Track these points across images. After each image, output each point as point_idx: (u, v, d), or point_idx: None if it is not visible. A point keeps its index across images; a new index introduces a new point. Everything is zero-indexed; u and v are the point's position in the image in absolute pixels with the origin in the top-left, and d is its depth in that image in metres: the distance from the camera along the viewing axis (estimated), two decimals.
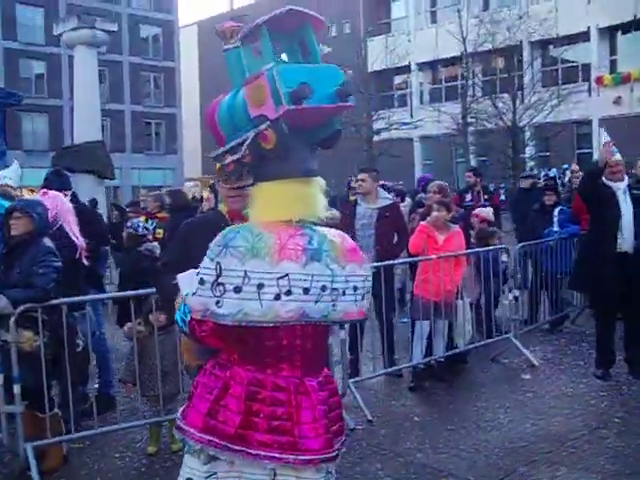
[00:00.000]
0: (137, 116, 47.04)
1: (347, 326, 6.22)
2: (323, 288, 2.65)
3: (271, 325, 2.60)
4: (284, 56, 2.94)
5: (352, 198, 8.61)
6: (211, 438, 2.67)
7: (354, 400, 6.19)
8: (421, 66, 41.02)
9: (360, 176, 7.64)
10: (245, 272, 2.56)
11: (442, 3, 40.39)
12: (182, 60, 50.86)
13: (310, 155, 2.81)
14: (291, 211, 2.71)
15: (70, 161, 19.33)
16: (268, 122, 2.70)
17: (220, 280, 2.57)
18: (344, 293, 2.71)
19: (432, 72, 41.52)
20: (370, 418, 6.01)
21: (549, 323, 9.09)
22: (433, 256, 6.98)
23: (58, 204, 5.52)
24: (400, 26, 42.05)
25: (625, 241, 6.74)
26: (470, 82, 32.90)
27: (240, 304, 2.56)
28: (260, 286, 2.56)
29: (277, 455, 2.62)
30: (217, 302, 2.57)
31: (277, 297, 2.57)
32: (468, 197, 10.28)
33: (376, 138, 34.70)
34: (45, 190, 5.82)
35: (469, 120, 31.91)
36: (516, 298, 8.02)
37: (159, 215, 10.12)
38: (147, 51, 48.33)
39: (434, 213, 7.13)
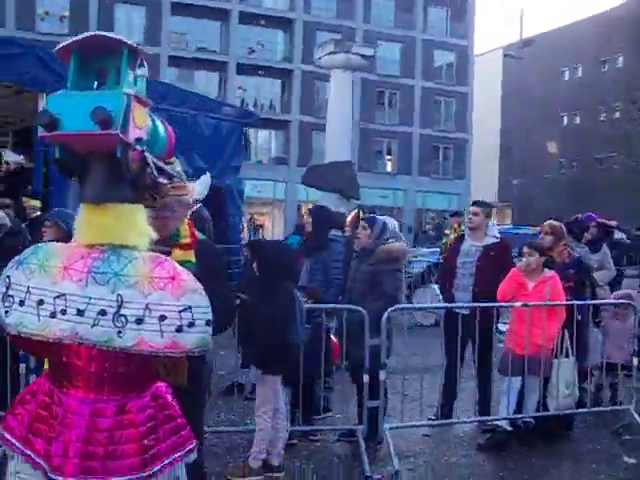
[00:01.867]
0: (425, 139, 47.78)
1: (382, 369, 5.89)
2: (102, 312, 2.64)
3: (50, 340, 2.68)
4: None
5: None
6: (9, 438, 2.82)
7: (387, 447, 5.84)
8: None
9: (472, 209, 7.22)
10: (28, 287, 2.71)
11: None
12: (482, 85, 51.00)
13: (100, 182, 2.76)
14: (84, 235, 2.78)
15: (318, 179, 20.46)
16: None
17: (9, 292, 2.75)
18: (140, 322, 2.65)
19: None
20: (397, 469, 5.59)
21: None
22: (517, 304, 6.33)
23: None
24: None
25: None
26: None
27: (22, 316, 2.69)
28: (40, 302, 2.67)
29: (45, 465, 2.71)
30: (6, 312, 2.75)
31: (52, 315, 2.65)
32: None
33: None
34: None
35: None
36: None
37: None
38: (440, 75, 48.90)
39: (523, 258, 6.47)
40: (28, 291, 2.70)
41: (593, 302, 7.00)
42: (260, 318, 5.16)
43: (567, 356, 6.53)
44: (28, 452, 2.75)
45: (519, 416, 6.50)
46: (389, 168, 48.26)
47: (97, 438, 2.70)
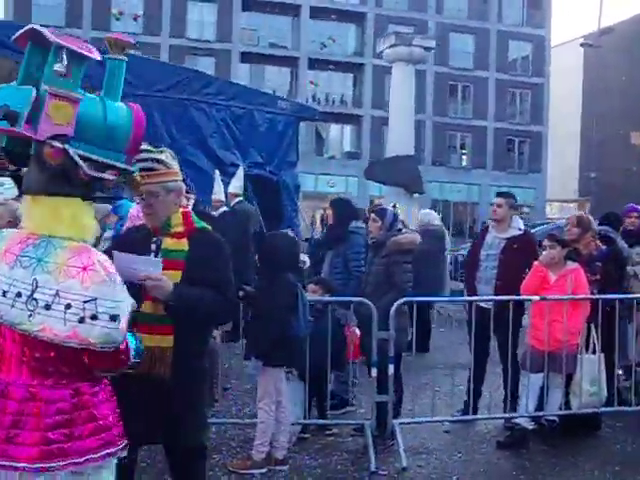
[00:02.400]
0: (500, 133, 46.96)
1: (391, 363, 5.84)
2: (18, 294, 2.75)
3: None
4: None
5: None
6: None
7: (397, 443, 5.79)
8: None
9: (496, 201, 7.04)
10: None
11: None
12: (561, 76, 49.80)
13: (32, 175, 2.88)
14: (25, 222, 2.95)
15: (381, 173, 20.38)
16: None
17: None
18: (48, 307, 2.73)
19: None
20: (405, 465, 5.52)
21: None
22: (535, 297, 6.16)
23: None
24: None
25: None
26: None
27: None
28: None
29: None
30: None
31: None
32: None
33: None
34: None
35: None
36: None
37: None
38: (515, 67, 47.97)
39: (544, 251, 6.29)
40: None
41: (618, 296, 6.65)
42: (260, 310, 5.19)
43: (594, 352, 6.32)
44: None
45: (540, 414, 6.33)
46: (463, 162, 47.59)
47: (1, 419, 2.75)
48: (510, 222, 6.92)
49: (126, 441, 2.98)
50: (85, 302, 2.71)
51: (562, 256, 6.34)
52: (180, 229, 3.91)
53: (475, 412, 6.80)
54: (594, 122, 56.55)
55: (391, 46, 20.20)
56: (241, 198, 10.31)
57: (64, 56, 2.83)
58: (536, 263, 6.42)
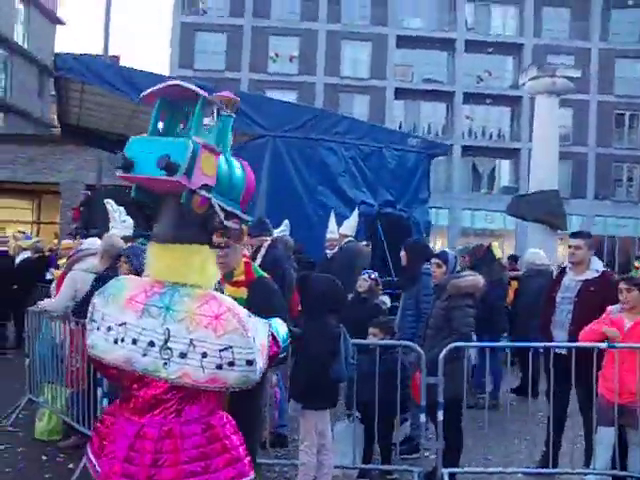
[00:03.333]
0: (603, 159, 44.24)
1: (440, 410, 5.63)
2: (151, 343, 2.90)
3: (112, 365, 3.00)
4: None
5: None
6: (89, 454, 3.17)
7: None
8: None
9: (574, 242, 6.64)
10: (103, 314, 3.03)
11: None
12: None
13: (171, 222, 3.02)
14: (152, 270, 3.06)
15: (523, 209, 19.90)
16: None
17: (93, 317, 3.10)
18: (184, 356, 2.87)
19: None
20: None
21: None
22: (602, 345, 5.74)
23: None
24: None
25: None
26: None
27: (95, 339, 3.04)
28: (109, 328, 2.99)
29: None
30: (89, 333, 3.11)
31: (115, 341, 2.96)
32: None
33: None
34: None
35: None
36: None
37: None
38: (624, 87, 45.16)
39: (620, 295, 5.86)
40: (102, 317, 3.02)
41: None
42: (303, 353, 5.22)
43: None
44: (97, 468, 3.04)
45: (611, 472, 5.90)
46: (630, 195, 45.29)
47: (140, 459, 2.90)
48: (588, 263, 6.55)
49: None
50: (221, 351, 2.86)
51: (639, 300, 5.90)
52: (241, 278, 4.33)
53: (555, 465, 6.42)
54: None
55: (533, 78, 19.78)
56: (351, 238, 10.38)
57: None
58: (609, 308, 6.02)
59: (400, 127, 43.44)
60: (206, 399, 2.99)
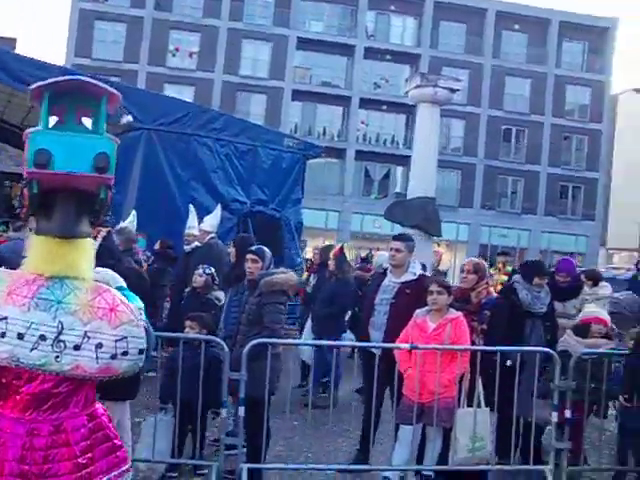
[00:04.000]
0: (553, 178, 46.21)
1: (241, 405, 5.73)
2: (42, 337, 2.85)
3: None
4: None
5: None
6: None
7: None
8: None
9: (394, 245, 6.76)
10: None
11: None
12: (630, 123, 48.94)
13: (72, 217, 2.97)
14: (39, 264, 2.96)
15: (400, 215, 20.28)
16: (24, 181, 3.03)
17: None
18: (78, 348, 2.88)
19: None
20: None
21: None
22: (404, 345, 5.94)
23: None
24: None
25: None
26: None
27: None
28: None
29: None
30: None
31: None
32: None
33: None
34: None
35: None
36: (562, 422, 6.19)
37: None
38: (572, 112, 47.29)
39: (430, 297, 6.07)
40: None
41: (500, 349, 6.20)
42: None
43: (479, 406, 6.04)
44: None
45: (412, 467, 6.08)
46: (514, 207, 46.93)
47: (32, 457, 2.87)
48: (407, 267, 6.72)
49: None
50: (116, 341, 2.93)
51: (446, 304, 6.12)
52: None
53: (367, 461, 6.52)
54: None
55: (416, 87, 20.17)
56: (214, 235, 10.34)
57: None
58: (416, 312, 6.21)
59: (296, 129, 43.76)
60: (89, 389, 3.04)
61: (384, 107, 45.30)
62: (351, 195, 43.96)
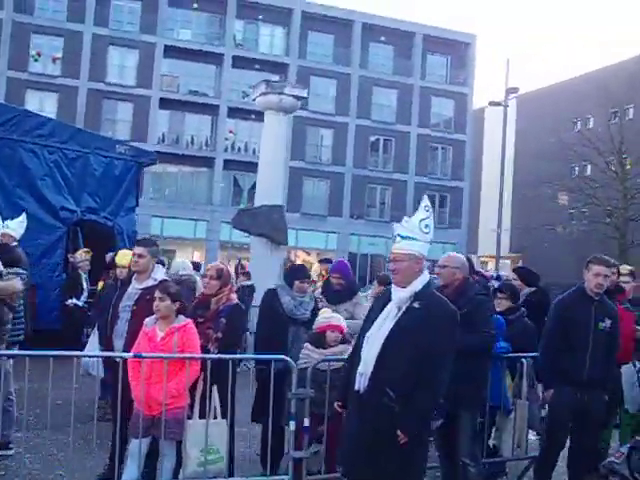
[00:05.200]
0: (420, 187, 47.38)
1: None
2: None
3: None
4: None
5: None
6: None
7: None
8: None
9: (137, 250, 6.56)
10: None
11: None
12: (493, 135, 50.63)
13: None
14: None
15: (247, 223, 20.20)
16: None
17: None
18: None
19: None
20: None
21: None
22: (127, 355, 5.78)
23: None
24: None
25: None
26: None
27: None
28: None
29: None
30: None
31: None
32: None
33: None
34: None
35: None
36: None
37: None
38: (437, 123, 48.70)
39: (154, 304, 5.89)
40: None
41: (233, 357, 6.11)
42: None
43: (215, 417, 5.86)
44: None
45: None
46: (382, 216, 47.81)
47: None
48: (150, 272, 6.51)
49: None
50: None
51: (171, 310, 5.89)
52: None
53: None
54: (526, 182, 57.69)
55: (262, 94, 20.20)
56: (15, 243, 9.88)
57: None
58: (145, 320, 5.96)
59: (163, 137, 43.17)
60: None
61: (253, 116, 45.18)
62: (220, 204, 43.70)
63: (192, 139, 44.63)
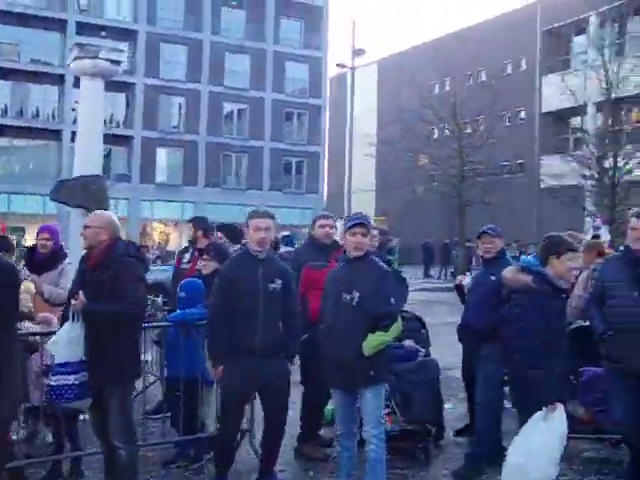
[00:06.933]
0: (276, 154, 47.21)
1: None
2: None
3: None
4: None
5: None
6: None
7: None
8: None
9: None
10: None
11: None
12: (358, 99, 50.72)
13: None
14: None
15: (65, 195, 19.35)
16: None
17: None
18: None
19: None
20: None
21: None
22: None
23: None
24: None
25: None
26: None
27: None
28: None
29: None
30: None
31: None
32: None
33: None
34: None
35: None
36: None
37: None
38: (292, 88, 48.50)
39: None
40: None
41: None
42: None
43: None
44: None
45: None
46: (239, 183, 47.40)
47: None
48: None
49: None
50: None
51: None
52: None
53: None
54: (388, 144, 58.33)
55: (75, 59, 19.28)
56: None
57: None
58: None
59: (6, 110, 41.23)
60: None
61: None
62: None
63: (37, 111, 42.76)
